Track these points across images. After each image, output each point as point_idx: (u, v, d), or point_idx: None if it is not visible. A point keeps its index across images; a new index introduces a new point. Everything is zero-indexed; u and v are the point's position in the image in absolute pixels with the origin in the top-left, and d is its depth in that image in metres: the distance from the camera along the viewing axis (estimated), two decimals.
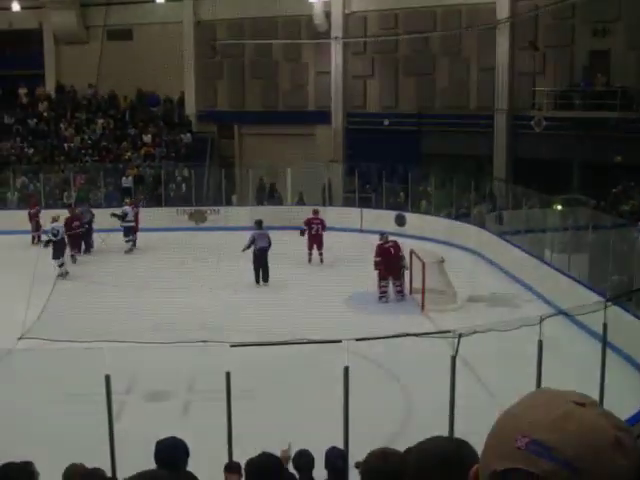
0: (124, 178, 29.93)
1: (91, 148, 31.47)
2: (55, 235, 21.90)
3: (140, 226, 24.64)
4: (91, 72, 32.01)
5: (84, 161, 30.90)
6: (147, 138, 31.51)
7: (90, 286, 18.39)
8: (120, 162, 30.60)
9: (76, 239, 24.03)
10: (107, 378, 8.14)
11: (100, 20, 32.62)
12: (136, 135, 31.91)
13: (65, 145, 31.71)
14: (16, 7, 33.10)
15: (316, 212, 24.08)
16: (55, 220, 22.34)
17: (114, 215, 25.03)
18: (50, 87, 34.80)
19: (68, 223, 23.30)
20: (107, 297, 16.77)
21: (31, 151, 31.47)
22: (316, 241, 23.28)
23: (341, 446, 7.87)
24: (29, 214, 27.01)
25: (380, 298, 18.70)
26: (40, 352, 12.95)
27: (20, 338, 14.37)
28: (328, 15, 30.22)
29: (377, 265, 19.18)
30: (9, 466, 4.84)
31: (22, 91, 34.51)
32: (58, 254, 21.82)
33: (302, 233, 23.25)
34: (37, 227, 26.36)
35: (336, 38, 30.54)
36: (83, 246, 25.05)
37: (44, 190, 29.46)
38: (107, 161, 30.55)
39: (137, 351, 12.06)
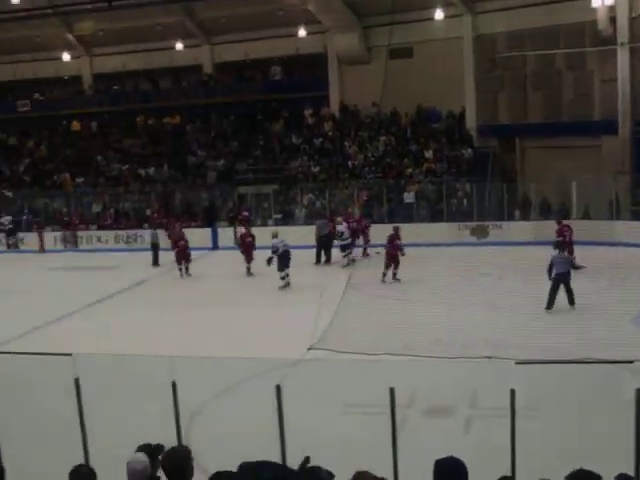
0: (406, 194, 31.09)
1: (374, 165, 33.03)
2: (274, 252, 24.05)
3: (421, 240, 24.82)
4: (373, 91, 33.72)
5: (367, 178, 32.15)
6: (428, 154, 32.47)
7: (375, 299, 18.70)
8: (402, 178, 31.56)
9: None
10: (391, 391, 8.17)
11: (381, 40, 34.56)
12: (417, 151, 32.97)
13: (349, 163, 33.54)
14: (302, 33, 36.15)
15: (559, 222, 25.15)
16: (275, 236, 24.71)
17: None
18: (334, 107, 37.50)
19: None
20: (391, 310, 16.92)
21: (317, 169, 33.66)
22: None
23: None
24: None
25: None
26: (327, 363, 13.29)
27: (309, 349, 14.85)
28: (613, 20, 29.07)
29: None
30: None
31: (308, 112, 37.35)
32: (282, 266, 23.91)
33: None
34: None
35: (622, 44, 28.95)
36: (323, 257, 28.52)
37: (329, 206, 30.58)
38: (389, 177, 31.60)
39: (419, 365, 12.06)
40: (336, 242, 28.12)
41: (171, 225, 31.11)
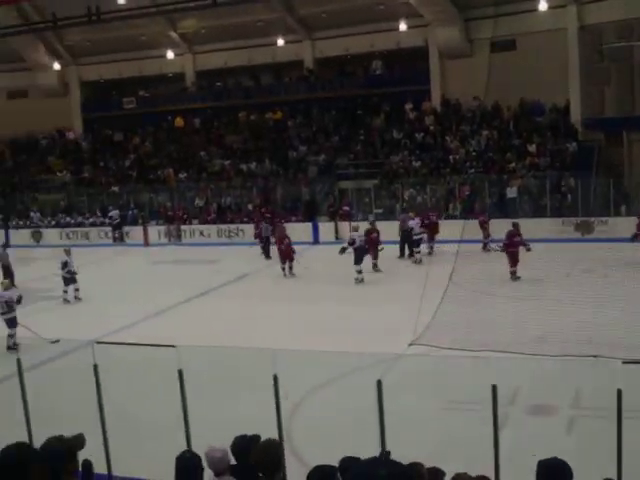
0: (508, 189, 30.59)
1: (475, 159, 32.58)
2: (351, 244, 25.01)
3: (523, 236, 24.08)
4: (475, 85, 33.19)
5: (468, 172, 31.71)
6: (532, 148, 31.89)
7: (478, 295, 18.51)
8: (504, 173, 30.99)
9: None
10: (493, 388, 8.10)
11: (483, 33, 33.88)
12: (520, 145, 32.22)
13: (450, 157, 33.20)
14: (403, 27, 36.10)
15: None
16: (355, 230, 25.95)
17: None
18: (435, 101, 37.38)
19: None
20: (494, 307, 16.73)
21: (418, 164, 33.55)
22: None
23: None
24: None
25: None
26: (429, 358, 13.25)
27: (411, 344, 14.82)
28: None
29: None
30: None
31: (409, 107, 36.82)
32: (358, 260, 24.50)
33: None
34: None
35: None
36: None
37: (430, 201, 30.45)
38: (491, 172, 31.12)
39: (522, 362, 11.90)
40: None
41: (276, 222, 31.24)
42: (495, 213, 30.48)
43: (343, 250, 25.60)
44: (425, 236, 28.41)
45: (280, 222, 30.57)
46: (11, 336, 18.15)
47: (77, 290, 23.97)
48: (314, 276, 25.74)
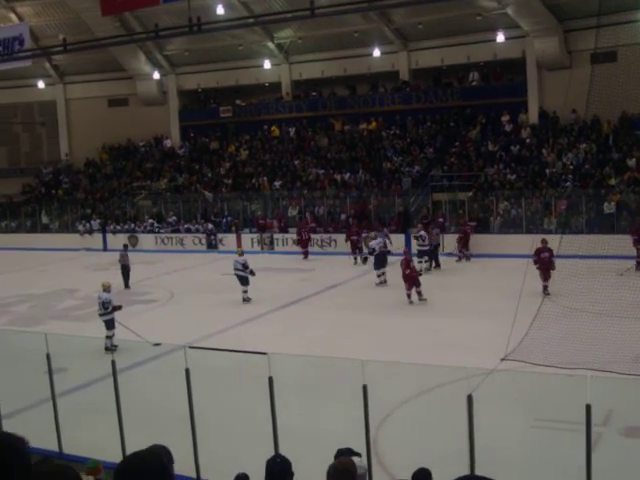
0: (606, 204, 29.71)
1: (572, 173, 31.49)
2: (371, 253, 27.62)
3: (622, 253, 23.44)
4: (573, 97, 31.98)
5: (565, 187, 30.91)
6: (631, 162, 31.10)
7: (573, 312, 18.12)
8: (602, 187, 30.04)
9: None
10: (587, 408, 7.98)
11: (583, 44, 33.22)
12: (619, 160, 31.20)
13: (547, 170, 32.33)
14: (500, 38, 35.30)
15: None
16: (373, 239, 28.69)
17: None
18: (532, 114, 36.64)
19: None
20: (589, 324, 16.31)
21: (513, 177, 33.06)
22: None
23: None
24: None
25: None
26: (521, 375, 13.07)
27: (503, 359, 14.65)
28: None
29: None
30: None
31: (505, 119, 36.43)
32: (378, 266, 26.62)
33: None
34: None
35: None
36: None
37: (525, 215, 30.02)
38: (589, 186, 30.23)
39: (617, 382, 11.63)
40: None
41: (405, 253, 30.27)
42: (593, 229, 29.85)
43: (365, 260, 29.38)
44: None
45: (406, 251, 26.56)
46: (109, 337, 18.70)
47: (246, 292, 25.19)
48: (403, 289, 25.68)
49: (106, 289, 19.45)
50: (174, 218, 40.51)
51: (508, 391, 13.27)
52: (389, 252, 27.51)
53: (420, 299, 23.05)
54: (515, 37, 38.29)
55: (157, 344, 16.91)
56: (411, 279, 23.14)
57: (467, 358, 14.46)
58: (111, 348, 18.08)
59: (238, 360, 12.67)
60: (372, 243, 27.93)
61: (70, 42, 20.86)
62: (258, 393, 10.65)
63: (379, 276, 26.42)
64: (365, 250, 30.67)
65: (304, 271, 30.29)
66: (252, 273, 24.38)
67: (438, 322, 20.12)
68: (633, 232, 27.35)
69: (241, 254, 25.77)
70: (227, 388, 14.25)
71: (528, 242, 27.09)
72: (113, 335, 18.76)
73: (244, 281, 24.47)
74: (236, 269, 24.69)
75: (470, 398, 8.94)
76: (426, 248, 28.96)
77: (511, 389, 13.40)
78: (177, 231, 39.86)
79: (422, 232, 29.18)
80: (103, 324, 19.03)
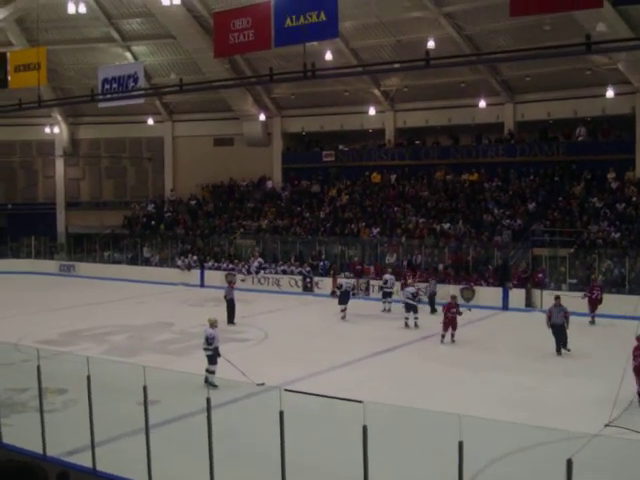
0: None
1: None
2: (339, 288, 31.77)
3: None
4: None
5: None
6: None
7: None
8: None
9: None
10: None
11: None
12: None
13: None
14: (610, 93, 35.99)
15: None
16: (347, 278, 33.34)
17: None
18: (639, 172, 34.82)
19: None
20: None
21: (617, 235, 31.96)
22: None
23: None
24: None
25: None
26: (626, 442, 12.57)
27: (607, 425, 14.37)
28: None
29: None
30: None
31: (611, 176, 35.68)
32: (341, 302, 30.60)
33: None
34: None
35: None
36: None
37: (629, 275, 29.22)
38: None
39: None
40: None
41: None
42: None
43: (333, 294, 34.21)
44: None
45: (454, 297, 27.13)
46: (210, 372, 18.91)
47: (416, 318, 28.03)
48: (500, 343, 25.20)
49: (212, 324, 19.69)
50: (259, 260, 40.76)
51: (609, 459, 12.78)
52: (354, 293, 33.16)
53: (452, 340, 24.96)
54: (625, 93, 37.81)
55: (261, 384, 16.92)
56: (451, 321, 24.89)
57: (568, 420, 14.05)
58: (211, 383, 18.31)
59: (332, 405, 12.60)
60: (341, 280, 32.44)
61: (184, 83, 21.42)
62: (348, 440, 10.53)
63: (342, 311, 30.18)
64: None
65: (396, 319, 29.95)
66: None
67: (535, 380, 19.58)
68: None
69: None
70: (319, 432, 14.17)
71: (632, 302, 26.39)
72: (214, 372, 18.96)
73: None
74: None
75: (570, 462, 8.63)
76: (389, 290, 32.00)
77: (613, 457, 12.89)
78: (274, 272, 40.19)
79: (387, 275, 32.77)
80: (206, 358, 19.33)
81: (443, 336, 25.03)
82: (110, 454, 12.98)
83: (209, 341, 19.31)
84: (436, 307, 30.56)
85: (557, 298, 23.67)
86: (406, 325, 28.21)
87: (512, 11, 13.81)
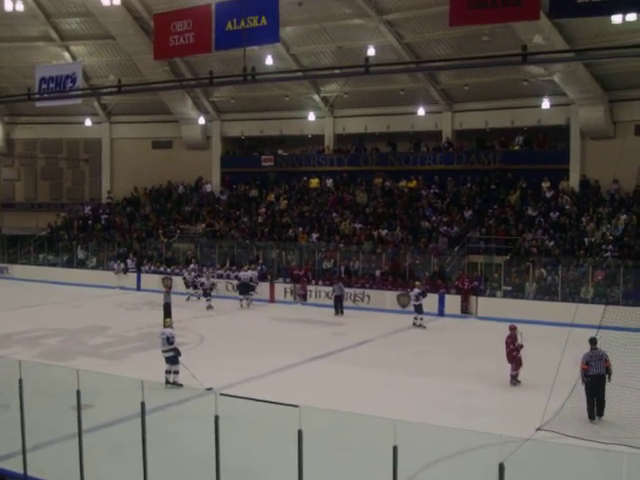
0: None
1: (612, 243, 30.97)
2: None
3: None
4: (615, 167, 31.91)
5: (604, 257, 30.50)
6: None
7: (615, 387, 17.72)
8: None
9: None
10: None
11: (629, 115, 32.67)
12: None
13: (585, 239, 31.89)
14: (546, 104, 36.36)
15: None
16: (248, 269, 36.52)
17: None
18: (574, 181, 36.36)
19: None
20: (631, 399, 15.91)
21: (551, 243, 32.51)
22: None
23: None
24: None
25: None
26: (555, 447, 12.77)
27: (538, 429, 14.65)
28: None
29: None
30: None
31: (546, 185, 36.35)
32: (241, 292, 35.21)
33: None
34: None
35: None
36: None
37: (562, 283, 29.70)
38: (628, 257, 29.85)
39: None
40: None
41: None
42: (631, 301, 29.40)
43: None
44: None
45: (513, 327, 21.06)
46: (168, 372, 18.93)
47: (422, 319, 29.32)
48: (436, 350, 25.40)
49: (168, 325, 19.65)
50: (194, 266, 40.05)
51: (539, 462, 12.96)
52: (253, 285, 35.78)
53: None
54: (560, 104, 38.45)
55: (209, 389, 16.84)
56: (517, 360, 20.15)
57: (500, 425, 14.23)
58: (176, 383, 18.20)
59: (266, 410, 12.56)
60: (241, 273, 35.86)
61: (123, 84, 21.16)
62: (284, 444, 10.52)
63: (240, 301, 34.80)
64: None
65: (335, 325, 30.15)
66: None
67: (471, 387, 19.84)
68: None
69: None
70: (254, 437, 14.12)
71: (563, 310, 26.81)
72: (178, 372, 18.97)
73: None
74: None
75: (502, 467, 8.76)
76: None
77: (543, 461, 13.08)
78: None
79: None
80: (164, 360, 19.27)
81: (513, 377, 20.36)
82: (42, 459, 12.78)
83: (170, 341, 19.23)
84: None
85: (593, 342, 16.81)
86: (414, 325, 29.57)
87: (451, 21, 13.98)
